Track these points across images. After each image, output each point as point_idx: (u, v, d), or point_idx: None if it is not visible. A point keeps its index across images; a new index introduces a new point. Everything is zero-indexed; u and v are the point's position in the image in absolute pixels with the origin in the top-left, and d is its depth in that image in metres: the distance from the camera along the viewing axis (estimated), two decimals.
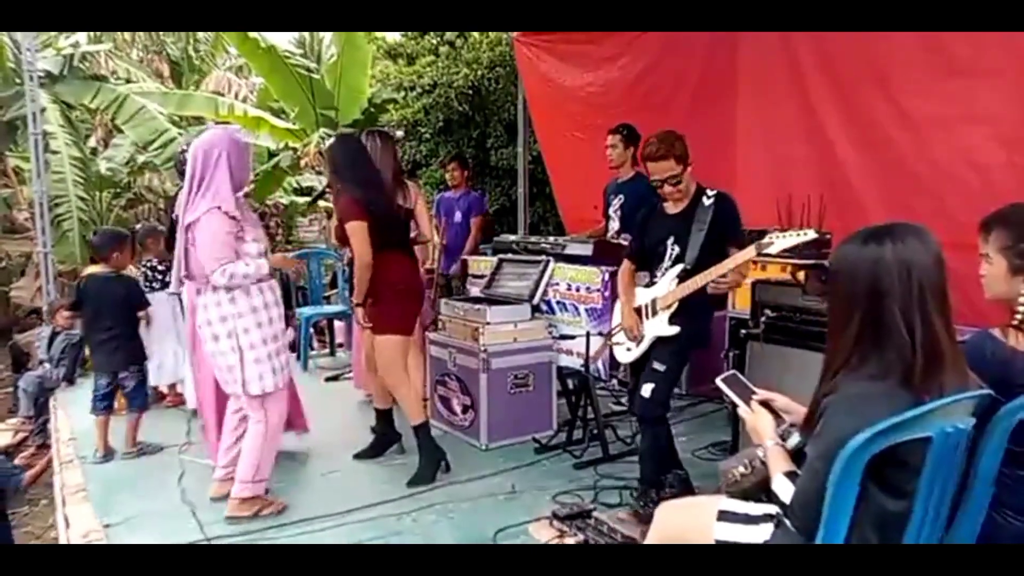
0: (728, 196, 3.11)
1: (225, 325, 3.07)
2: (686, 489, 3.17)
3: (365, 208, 3.45)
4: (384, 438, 3.92)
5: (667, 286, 3.09)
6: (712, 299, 3.08)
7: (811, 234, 2.74)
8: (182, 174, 3.74)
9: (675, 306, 3.06)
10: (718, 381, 2.01)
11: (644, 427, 3.18)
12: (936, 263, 1.54)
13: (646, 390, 3.06)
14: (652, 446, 3.14)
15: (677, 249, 3.11)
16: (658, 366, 3.07)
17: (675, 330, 3.05)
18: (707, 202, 3.07)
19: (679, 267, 3.06)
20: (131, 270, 4.78)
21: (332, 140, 3.77)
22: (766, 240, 2.77)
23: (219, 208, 3.01)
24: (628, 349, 3.26)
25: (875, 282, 1.53)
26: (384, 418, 3.91)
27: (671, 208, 3.19)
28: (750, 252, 2.83)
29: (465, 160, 6.41)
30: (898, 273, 1.52)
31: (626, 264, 3.40)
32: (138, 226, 5.25)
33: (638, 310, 3.22)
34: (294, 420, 3.92)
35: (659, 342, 3.12)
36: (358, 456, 3.88)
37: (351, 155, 3.61)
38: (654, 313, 3.14)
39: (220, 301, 3.06)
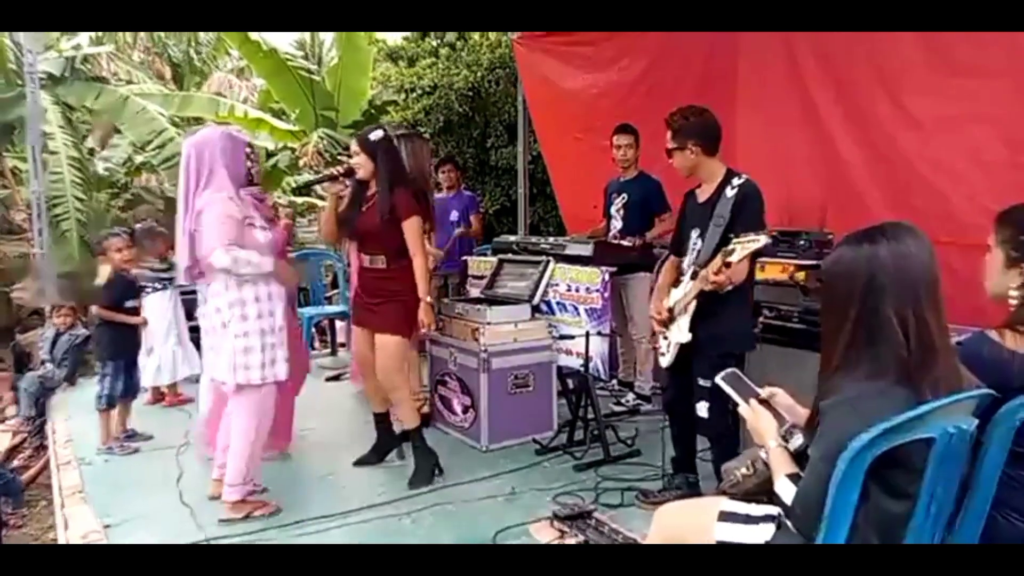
0: (750, 187, 2.87)
1: (231, 312, 3.08)
2: (694, 493, 3.15)
3: (422, 205, 3.61)
4: (385, 443, 3.86)
5: (684, 288, 2.96)
6: (740, 296, 2.87)
7: (763, 239, 2.61)
8: None
9: (692, 310, 2.90)
10: (718, 379, 1.99)
11: (712, 443, 3.05)
12: (931, 259, 1.55)
13: (702, 409, 2.91)
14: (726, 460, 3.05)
15: (700, 244, 2.92)
16: (703, 382, 2.86)
17: (689, 337, 2.90)
18: (730, 193, 2.86)
19: (693, 268, 2.92)
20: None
21: (381, 133, 3.53)
22: (730, 247, 2.65)
23: (224, 194, 3.07)
24: (662, 354, 3.12)
25: (871, 280, 1.53)
26: (383, 422, 3.85)
27: (701, 195, 3.01)
28: (716, 263, 2.71)
29: (457, 161, 6.45)
30: (894, 270, 1.52)
31: (670, 259, 3.21)
32: (137, 226, 5.21)
33: (671, 309, 3.03)
34: (277, 434, 3.63)
35: (694, 353, 2.93)
36: (359, 463, 3.82)
37: (396, 153, 3.63)
38: (672, 319, 3.01)
39: (228, 285, 3.08)
